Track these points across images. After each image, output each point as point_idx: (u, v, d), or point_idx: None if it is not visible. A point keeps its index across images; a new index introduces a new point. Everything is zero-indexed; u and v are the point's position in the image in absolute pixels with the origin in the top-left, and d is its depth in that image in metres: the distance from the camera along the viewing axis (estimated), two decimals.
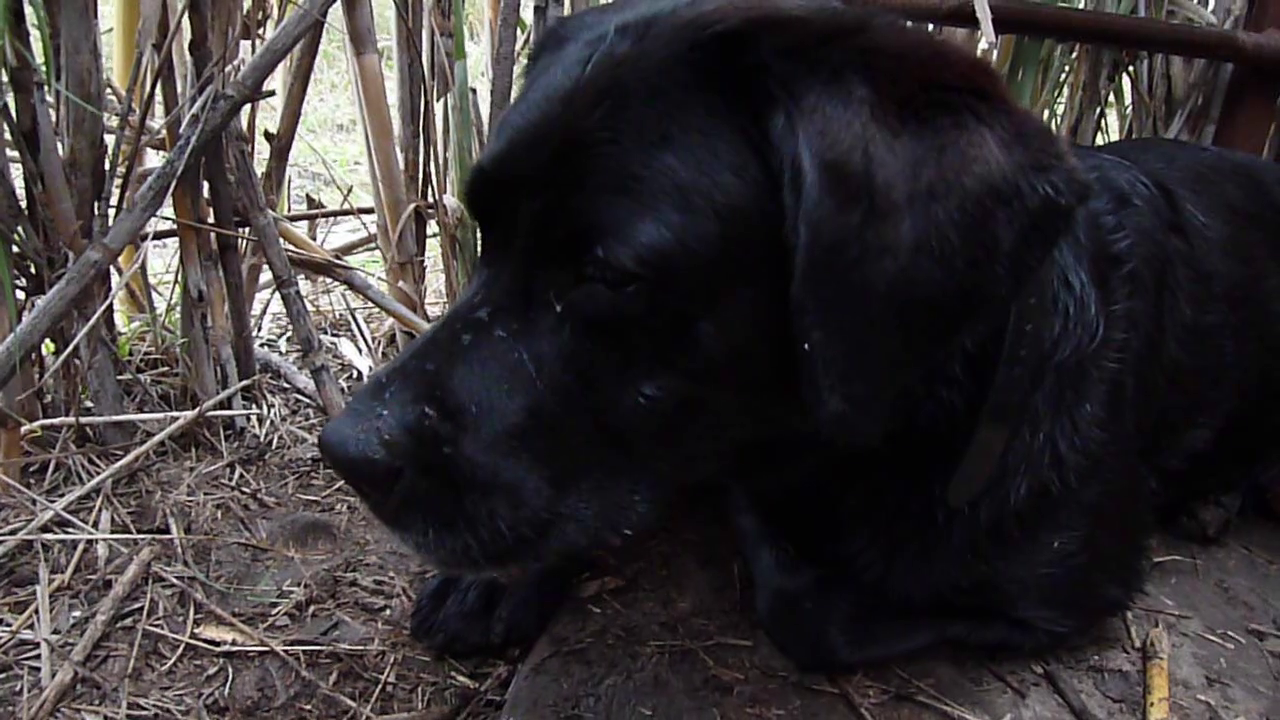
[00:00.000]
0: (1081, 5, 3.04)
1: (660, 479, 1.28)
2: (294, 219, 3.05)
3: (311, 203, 3.35)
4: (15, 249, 2.05)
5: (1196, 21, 2.97)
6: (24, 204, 2.05)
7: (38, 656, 1.63)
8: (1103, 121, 3.22)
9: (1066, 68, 3.14)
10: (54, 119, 2.04)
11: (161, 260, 3.14)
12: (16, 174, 2.05)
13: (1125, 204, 1.67)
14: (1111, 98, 3.22)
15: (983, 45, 2.81)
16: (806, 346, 1.07)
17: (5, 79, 1.93)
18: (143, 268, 2.42)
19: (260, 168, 2.51)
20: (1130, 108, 3.23)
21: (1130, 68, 3.10)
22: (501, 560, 1.21)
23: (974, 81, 1.13)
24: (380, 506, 1.18)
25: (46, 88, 1.99)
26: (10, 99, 1.96)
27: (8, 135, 2.02)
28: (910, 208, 1.05)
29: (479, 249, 1.30)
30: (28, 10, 1.92)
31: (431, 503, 1.16)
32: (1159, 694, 1.60)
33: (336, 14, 2.46)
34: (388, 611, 1.81)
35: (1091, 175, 1.56)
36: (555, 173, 1.14)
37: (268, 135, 2.56)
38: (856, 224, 1.04)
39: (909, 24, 1.34)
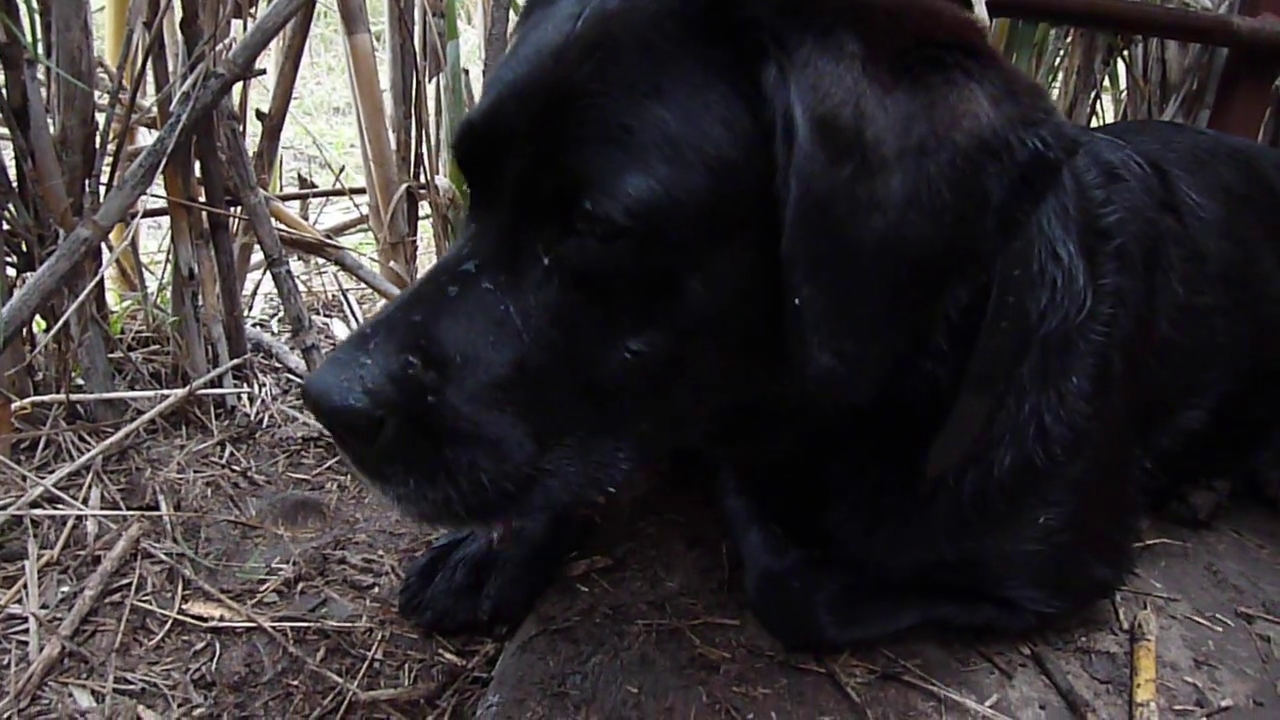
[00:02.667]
0: None
1: (645, 439, 1.26)
2: (286, 198, 3.05)
3: (303, 183, 3.34)
4: (6, 225, 2.04)
5: (1192, 6, 2.96)
6: (15, 181, 2.05)
7: (26, 631, 1.63)
8: (1097, 106, 3.22)
9: (1061, 52, 3.14)
10: (45, 96, 2.04)
11: (153, 239, 3.14)
12: (7, 151, 2.05)
13: (1115, 179, 1.66)
14: (1106, 82, 3.22)
15: None
16: (796, 301, 1.07)
17: None
18: (134, 245, 2.43)
19: (252, 147, 2.50)
20: (1125, 92, 3.23)
21: (1125, 52, 3.10)
22: (482, 514, 1.20)
23: (964, 39, 1.12)
24: (362, 458, 1.17)
25: (37, 65, 1.98)
26: (0, 76, 1.96)
27: None
28: (901, 163, 1.05)
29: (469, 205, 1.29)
30: None
31: (413, 453, 1.15)
32: (1146, 675, 1.60)
33: None
34: (376, 589, 1.82)
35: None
36: (544, 126, 1.13)
37: (259, 114, 2.55)
38: (847, 179, 1.04)
39: None
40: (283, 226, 2.63)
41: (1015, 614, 1.64)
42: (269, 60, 2.73)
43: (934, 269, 1.12)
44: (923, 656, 1.62)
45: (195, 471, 2.11)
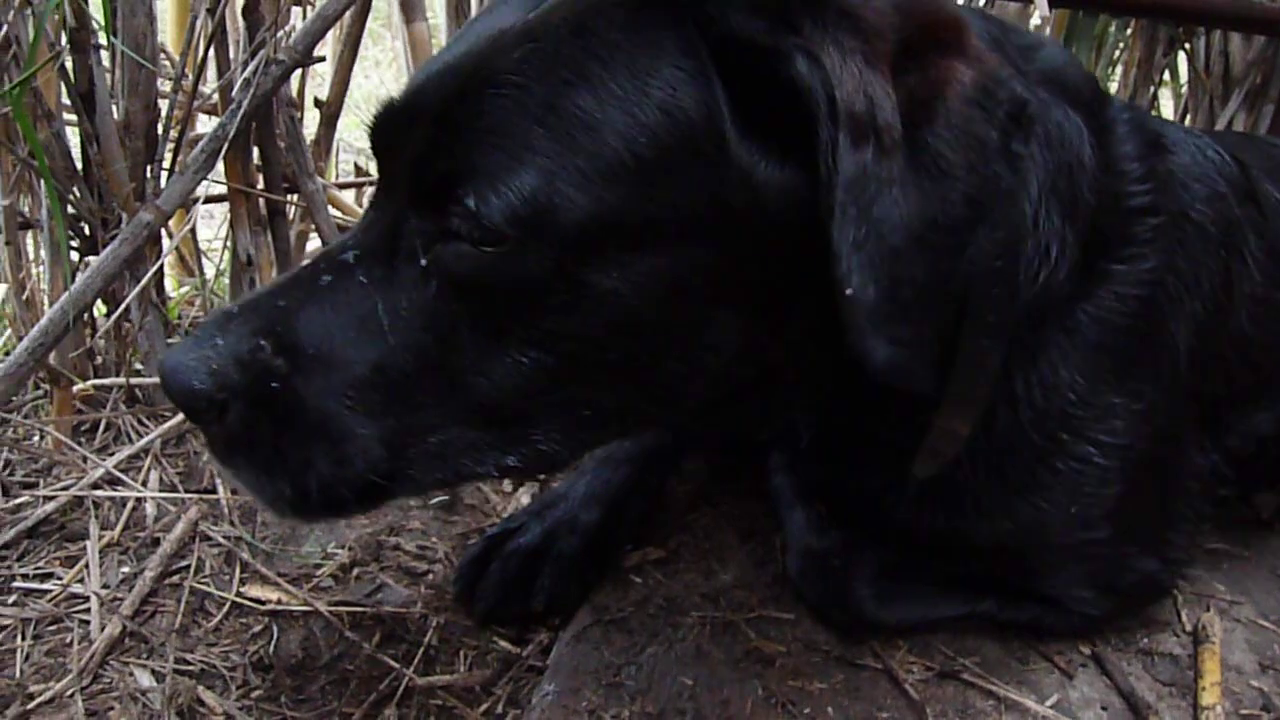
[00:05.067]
0: None
1: (582, 422, 1.21)
2: (343, 186, 3.07)
3: (360, 171, 3.36)
4: (71, 209, 2.07)
5: None
6: (80, 165, 2.08)
7: (88, 610, 1.66)
8: (1158, 99, 3.16)
9: (1121, 44, 3.09)
10: (109, 82, 2.06)
11: (209, 227, 3.17)
12: (73, 135, 2.07)
13: (1160, 151, 1.53)
14: (1167, 75, 3.16)
15: (1035, 20, 2.77)
16: (849, 293, 1.04)
17: (64, 40, 1.95)
18: (193, 232, 2.45)
19: (309, 135, 2.52)
20: (1186, 85, 3.17)
21: (1187, 44, 3.04)
22: (313, 516, 1.20)
23: (938, 34, 1.14)
24: (212, 440, 1.15)
25: (103, 49, 2.00)
26: (68, 60, 1.98)
27: (65, 98, 2.05)
28: (906, 139, 1.06)
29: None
30: None
31: (254, 441, 1.12)
32: (1211, 679, 1.57)
33: None
34: (430, 575, 1.82)
35: (1124, 118, 1.51)
36: (451, 111, 1.08)
37: (317, 102, 2.57)
38: (870, 161, 1.04)
39: None
40: (339, 214, 2.65)
41: (1060, 613, 1.60)
42: (326, 49, 2.75)
43: (959, 225, 1.11)
44: (981, 654, 1.60)
45: None
